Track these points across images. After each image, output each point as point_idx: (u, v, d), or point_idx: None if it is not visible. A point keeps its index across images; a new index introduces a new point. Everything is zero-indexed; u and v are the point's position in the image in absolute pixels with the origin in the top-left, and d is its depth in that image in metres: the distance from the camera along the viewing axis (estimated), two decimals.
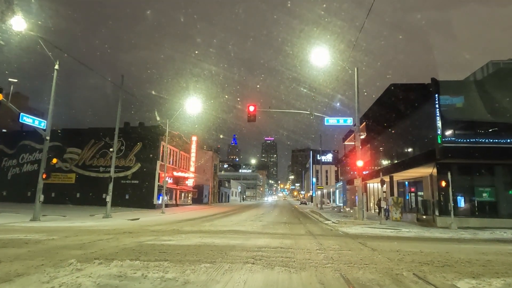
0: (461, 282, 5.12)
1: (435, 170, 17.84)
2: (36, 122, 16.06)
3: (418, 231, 14.00)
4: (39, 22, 17.19)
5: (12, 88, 14.88)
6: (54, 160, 17.19)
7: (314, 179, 57.21)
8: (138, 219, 18.73)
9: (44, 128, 16.57)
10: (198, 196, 49.84)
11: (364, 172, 18.38)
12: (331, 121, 18.76)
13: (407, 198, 23.29)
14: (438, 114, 16.67)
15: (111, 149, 19.90)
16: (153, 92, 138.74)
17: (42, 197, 16.32)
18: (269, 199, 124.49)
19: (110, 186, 19.47)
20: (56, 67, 16.79)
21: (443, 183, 15.92)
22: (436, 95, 16.79)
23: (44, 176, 16.34)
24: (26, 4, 15.48)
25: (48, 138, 16.61)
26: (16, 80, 15.13)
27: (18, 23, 14.14)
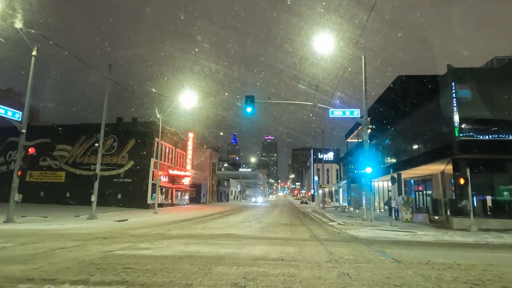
0: None
1: (448, 167, 16.33)
2: (10, 113, 14.47)
3: (435, 234, 12.46)
4: (40, 20, 15.88)
5: None
6: (31, 150, 15.65)
7: (316, 178, 55.55)
8: (126, 220, 17.21)
9: (20, 120, 15.01)
10: (196, 195, 48.25)
11: (371, 170, 16.77)
12: (336, 113, 17.17)
13: (413, 196, 21.73)
14: (455, 105, 15.09)
15: (96, 144, 18.29)
16: (153, 90, 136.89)
17: (19, 197, 14.81)
18: (259, 199, 74.83)
19: (96, 185, 17.89)
20: (34, 53, 15.29)
21: (462, 181, 14.35)
22: (453, 84, 15.22)
23: (19, 173, 14.84)
24: (26, 3, 14.13)
25: (24, 131, 15.07)
26: None
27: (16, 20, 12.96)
